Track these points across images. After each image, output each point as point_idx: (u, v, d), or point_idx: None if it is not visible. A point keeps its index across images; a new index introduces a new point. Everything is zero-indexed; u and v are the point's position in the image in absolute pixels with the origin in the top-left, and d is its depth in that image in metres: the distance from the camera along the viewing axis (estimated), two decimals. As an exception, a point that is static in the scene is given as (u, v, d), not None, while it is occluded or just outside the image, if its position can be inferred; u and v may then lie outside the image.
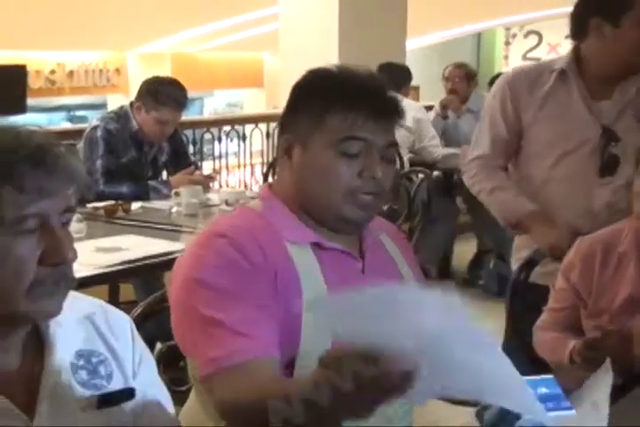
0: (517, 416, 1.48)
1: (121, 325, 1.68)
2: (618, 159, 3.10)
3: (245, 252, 1.90)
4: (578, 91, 3.18)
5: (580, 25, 3.14)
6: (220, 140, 7.95)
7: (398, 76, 6.84)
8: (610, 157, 3.12)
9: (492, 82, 7.51)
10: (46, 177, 1.43)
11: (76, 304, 1.58)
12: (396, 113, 2.03)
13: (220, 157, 8.02)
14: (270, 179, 6.86)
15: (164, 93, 4.91)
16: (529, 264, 3.17)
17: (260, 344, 1.83)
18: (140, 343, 1.71)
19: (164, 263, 3.71)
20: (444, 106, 7.44)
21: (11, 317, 1.48)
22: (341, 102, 1.97)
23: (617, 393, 2.22)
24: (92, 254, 3.50)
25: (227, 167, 8.14)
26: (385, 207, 4.99)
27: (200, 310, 1.86)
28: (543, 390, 1.52)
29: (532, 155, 3.26)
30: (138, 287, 4.87)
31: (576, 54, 3.20)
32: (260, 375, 1.77)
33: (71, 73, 12.10)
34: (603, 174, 3.14)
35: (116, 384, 1.61)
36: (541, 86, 3.21)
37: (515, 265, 3.30)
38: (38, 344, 1.56)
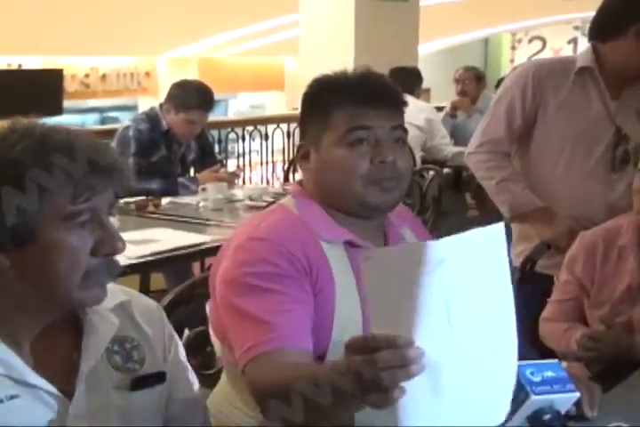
0: (527, 395, 1.48)
1: (152, 312, 1.69)
2: (629, 157, 3.07)
3: (286, 253, 1.88)
4: (597, 90, 3.14)
5: (614, 28, 3.08)
6: (243, 139, 7.96)
7: (410, 78, 6.84)
8: (622, 154, 3.10)
9: (499, 84, 7.50)
10: (100, 176, 1.45)
11: (111, 293, 1.58)
12: (393, 99, 2.02)
13: (243, 155, 8.03)
14: (290, 176, 6.87)
15: (192, 96, 4.92)
16: (534, 254, 3.17)
17: (292, 335, 1.82)
18: (170, 330, 1.72)
19: (192, 254, 3.74)
20: (455, 107, 7.44)
21: (63, 304, 1.51)
22: (340, 99, 1.97)
23: (615, 379, 2.22)
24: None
25: (250, 165, 8.14)
26: (403, 205, 4.99)
27: (237, 305, 1.86)
28: (549, 373, 1.52)
29: (548, 149, 3.21)
30: (168, 277, 4.89)
31: (595, 54, 3.15)
32: (291, 360, 1.77)
33: (104, 77, 12.12)
34: (615, 171, 3.12)
35: (148, 368, 1.62)
36: (564, 82, 3.15)
37: (515, 258, 3.27)
38: (76, 331, 1.57)
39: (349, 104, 1.96)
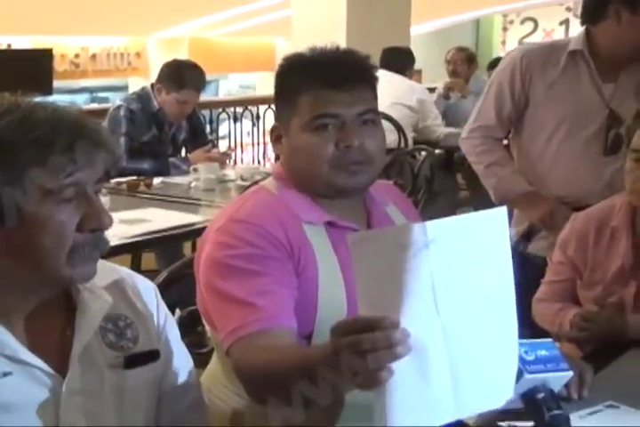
0: (521, 373, 1.48)
1: (146, 291, 1.69)
2: (622, 139, 3.07)
3: (267, 235, 1.89)
4: (589, 72, 3.13)
5: (597, 9, 3.07)
6: (234, 119, 7.94)
7: (402, 59, 6.82)
8: (615, 138, 3.10)
9: (490, 65, 7.51)
10: (84, 149, 1.44)
11: (105, 271, 1.58)
12: (362, 80, 1.98)
13: (234, 135, 8.01)
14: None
15: (184, 76, 4.91)
16: (527, 236, 3.18)
17: (276, 315, 1.83)
18: (164, 309, 1.72)
19: (184, 234, 3.75)
20: (449, 88, 7.43)
21: (52, 281, 1.50)
22: (305, 84, 1.95)
23: (607, 359, 2.24)
24: (116, 226, 3.44)
25: (241, 145, 8.13)
26: (391, 182, 5.00)
27: (220, 288, 1.87)
28: (543, 352, 1.52)
29: (539, 132, 3.21)
30: (159, 257, 4.89)
31: (587, 37, 3.15)
32: (277, 341, 1.78)
33: (94, 56, 12.05)
34: (607, 154, 3.12)
35: (142, 346, 1.62)
36: (554, 65, 3.15)
37: (514, 237, 3.29)
38: (70, 309, 1.56)
39: (314, 89, 1.94)
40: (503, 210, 1.35)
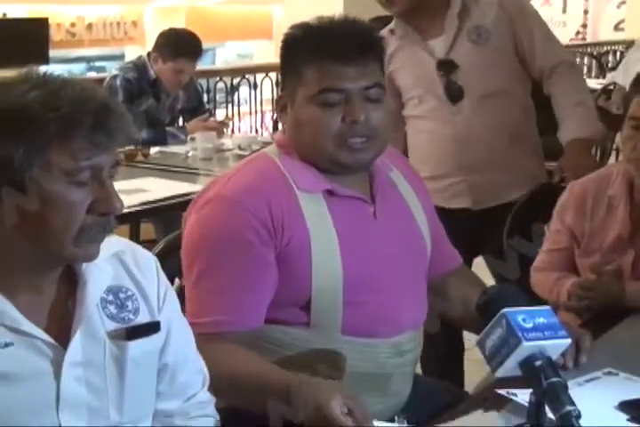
0: (519, 341, 1.49)
1: (147, 263, 1.69)
2: (458, 84, 3.15)
3: (247, 216, 1.90)
4: (409, 37, 3.24)
5: None
6: (232, 88, 7.90)
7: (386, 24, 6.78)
8: (451, 85, 3.17)
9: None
10: (106, 134, 1.44)
11: (106, 243, 1.58)
12: (368, 52, 1.98)
13: (232, 104, 7.98)
14: (279, 125, 6.84)
15: (180, 44, 4.90)
16: (531, 199, 3.19)
17: (239, 321, 1.90)
18: (164, 280, 1.72)
19: (182, 203, 3.74)
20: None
21: (55, 259, 1.51)
22: (314, 54, 1.94)
23: (606, 325, 2.25)
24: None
25: (238, 114, 8.10)
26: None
27: (194, 274, 1.94)
28: (541, 320, 1.52)
29: (406, 103, 3.31)
30: (157, 227, 4.90)
31: None
32: (237, 346, 1.87)
33: (90, 26, 12.02)
34: (454, 102, 3.17)
35: (143, 318, 1.62)
36: (392, 43, 3.22)
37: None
38: (71, 280, 1.57)
39: (320, 61, 1.93)
40: None
